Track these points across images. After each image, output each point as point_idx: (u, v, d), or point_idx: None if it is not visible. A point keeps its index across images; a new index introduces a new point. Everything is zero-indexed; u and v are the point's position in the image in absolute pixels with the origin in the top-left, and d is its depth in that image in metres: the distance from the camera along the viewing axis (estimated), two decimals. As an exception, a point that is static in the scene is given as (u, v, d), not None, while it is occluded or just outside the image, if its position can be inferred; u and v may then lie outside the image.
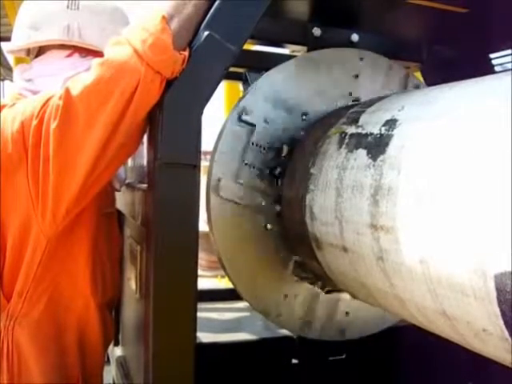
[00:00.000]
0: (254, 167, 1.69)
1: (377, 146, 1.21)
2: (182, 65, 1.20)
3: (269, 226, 1.71)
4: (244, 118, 1.68)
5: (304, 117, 1.75)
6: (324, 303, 1.86)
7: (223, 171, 1.66)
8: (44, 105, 1.26)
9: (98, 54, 1.43)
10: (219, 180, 1.64)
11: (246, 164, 1.68)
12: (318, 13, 1.89)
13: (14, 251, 1.37)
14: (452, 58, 2.13)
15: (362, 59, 1.84)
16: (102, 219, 1.53)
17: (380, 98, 1.46)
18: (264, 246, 1.73)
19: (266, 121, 1.70)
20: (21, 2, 1.65)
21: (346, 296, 1.82)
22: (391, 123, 1.21)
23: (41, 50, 1.58)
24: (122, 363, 1.99)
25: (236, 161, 1.67)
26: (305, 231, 1.52)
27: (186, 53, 1.21)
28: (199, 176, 1.23)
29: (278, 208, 1.71)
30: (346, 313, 1.91)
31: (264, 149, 1.70)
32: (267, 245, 1.73)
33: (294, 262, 1.76)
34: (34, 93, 1.49)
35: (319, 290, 1.79)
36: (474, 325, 0.95)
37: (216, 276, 6.44)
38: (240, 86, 2.96)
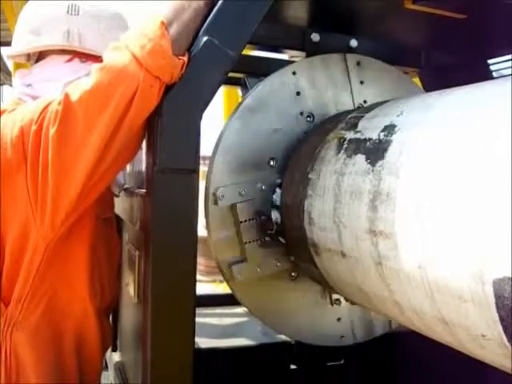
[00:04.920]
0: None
1: (375, 151, 1.21)
2: (181, 70, 1.20)
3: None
4: None
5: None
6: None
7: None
8: (43, 110, 1.26)
9: (97, 59, 1.44)
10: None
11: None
12: (317, 18, 1.90)
13: (13, 256, 1.37)
14: (450, 63, 2.14)
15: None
16: (101, 224, 1.53)
17: (379, 104, 1.46)
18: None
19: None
20: (21, 6, 1.66)
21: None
22: (390, 129, 1.21)
23: (41, 55, 1.59)
24: (120, 369, 1.98)
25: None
26: (303, 236, 1.51)
27: (185, 58, 1.21)
28: (198, 181, 1.24)
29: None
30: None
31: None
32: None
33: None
34: (34, 98, 1.49)
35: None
36: (472, 331, 0.95)
37: (215, 281, 6.43)
38: (239, 91, 2.97)
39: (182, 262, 1.22)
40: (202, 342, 2.32)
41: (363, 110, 1.50)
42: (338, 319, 1.86)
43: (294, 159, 1.68)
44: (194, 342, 1.29)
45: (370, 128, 1.31)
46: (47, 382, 1.41)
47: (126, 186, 1.78)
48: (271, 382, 2.22)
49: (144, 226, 1.36)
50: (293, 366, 2.26)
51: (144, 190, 1.39)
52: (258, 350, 2.34)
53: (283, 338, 2.09)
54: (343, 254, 1.31)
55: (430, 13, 1.78)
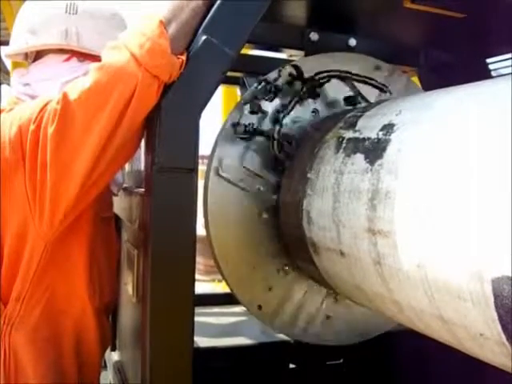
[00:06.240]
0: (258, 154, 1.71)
1: (374, 150, 1.21)
2: (179, 69, 1.20)
3: (264, 215, 1.72)
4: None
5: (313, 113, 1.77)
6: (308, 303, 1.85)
7: (227, 152, 1.68)
8: (42, 109, 1.25)
9: (95, 58, 1.43)
10: (221, 160, 1.66)
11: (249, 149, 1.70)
12: (316, 17, 1.90)
13: (12, 255, 1.37)
14: (449, 62, 2.14)
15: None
16: (100, 224, 1.53)
17: (377, 103, 1.46)
18: (257, 235, 1.73)
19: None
20: (19, 6, 1.65)
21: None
22: (389, 128, 1.21)
23: (38, 55, 1.58)
24: (119, 368, 1.98)
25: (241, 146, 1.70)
26: (302, 236, 1.51)
27: (184, 57, 1.21)
28: (197, 180, 1.24)
29: (275, 197, 1.72)
30: (327, 317, 1.88)
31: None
32: (260, 233, 1.73)
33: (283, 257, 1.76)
34: (32, 97, 1.49)
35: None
36: (471, 329, 0.95)
37: (213, 280, 6.44)
38: (237, 90, 2.97)
39: (181, 261, 1.22)
40: (201, 341, 2.32)
41: (362, 109, 1.50)
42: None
43: (293, 157, 1.68)
44: (193, 341, 1.29)
45: (368, 127, 1.31)
46: (46, 381, 1.41)
47: (124, 185, 1.78)
48: (270, 381, 2.22)
49: (143, 225, 1.36)
50: (292, 365, 2.26)
51: (143, 190, 1.39)
52: (257, 349, 2.34)
53: (282, 337, 2.09)
54: (342, 253, 1.31)
55: (428, 12, 1.78)
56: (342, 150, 1.36)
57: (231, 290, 1.75)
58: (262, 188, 1.71)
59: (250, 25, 1.26)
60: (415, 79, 2.24)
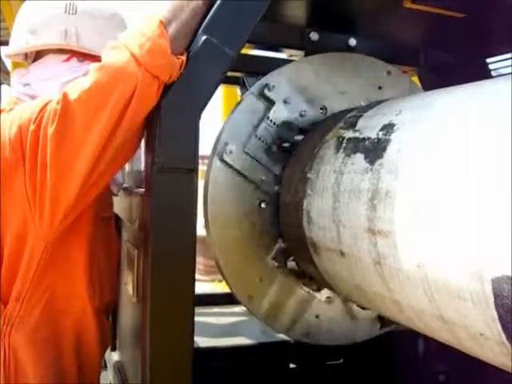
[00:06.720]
0: (263, 141, 1.70)
1: (374, 150, 1.21)
2: (179, 69, 1.20)
3: (263, 205, 1.71)
4: (266, 93, 1.70)
5: (321, 110, 1.77)
6: (297, 300, 1.83)
7: (232, 138, 1.67)
8: (42, 109, 1.25)
9: (95, 58, 1.44)
10: (226, 144, 1.65)
11: (256, 136, 1.69)
12: (316, 17, 1.90)
13: (12, 255, 1.37)
14: (449, 62, 2.14)
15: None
16: (100, 224, 1.53)
17: (378, 103, 1.46)
18: (255, 224, 1.72)
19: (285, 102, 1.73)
20: (19, 5, 1.65)
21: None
22: (389, 127, 1.21)
23: (38, 55, 1.58)
24: (119, 368, 1.98)
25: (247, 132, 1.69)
26: (302, 235, 1.51)
27: (184, 57, 1.21)
28: (197, 180, 1.24)
29: (276, 188, 1.72)
30: (316, 316, 1.86)
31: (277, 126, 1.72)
32: (258, 223, 1.72)
33: (278, 247, 1.74)
34: (32, 97, 1.49)
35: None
36: (471, 329, 0.95)
37: (213, 280, 6.44)
38: (238, 90, 2.97)
39: (181, 262, 1.22)
40: (201, 341, 2.32)
41: (362, 108, 1.50)
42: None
43: (293, 158, 1.68)
44: (193, 341, 1.29)
45: (368, 127, 1.31)
46: (46, 381, 1.41)
47: (124, 185, 1.78)
48: (270, 381, 2.22)
49: (143, 225, 1.36)
50: (292, 365, 2.26)
51: (143, 190, 1.39)
52: (257, 349, 2.34)
53: (282, 337, 2.09)
54: (342, 253, 1.31)
55: (428, 12, 1.78)
56: (342, 150, 1.36)
57: (231, 289, 1.75)
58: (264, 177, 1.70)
59: (250, 25, 1.26)
60: (415, 79, 2.24)
